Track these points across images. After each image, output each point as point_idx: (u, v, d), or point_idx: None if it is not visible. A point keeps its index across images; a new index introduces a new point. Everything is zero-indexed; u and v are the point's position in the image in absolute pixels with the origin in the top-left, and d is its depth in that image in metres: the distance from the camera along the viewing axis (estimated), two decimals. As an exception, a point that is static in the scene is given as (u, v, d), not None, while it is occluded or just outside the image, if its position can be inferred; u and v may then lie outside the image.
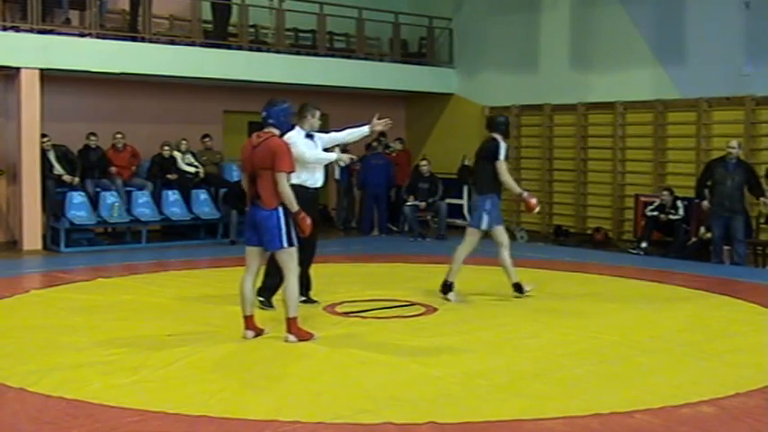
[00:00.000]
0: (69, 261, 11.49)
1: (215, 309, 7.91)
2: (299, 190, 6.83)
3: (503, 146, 8.34)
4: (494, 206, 8.35)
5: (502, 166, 8.28)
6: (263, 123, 6.69)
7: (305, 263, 8.10)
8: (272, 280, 7.66)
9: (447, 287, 8.46)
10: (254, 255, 6.72)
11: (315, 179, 7.78)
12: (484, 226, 8.35)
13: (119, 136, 13.50)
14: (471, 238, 8.46)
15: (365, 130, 8.09)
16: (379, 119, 8.01)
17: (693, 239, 12.00)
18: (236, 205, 12.61)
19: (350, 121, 16.14)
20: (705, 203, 11.56)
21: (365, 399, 5.20)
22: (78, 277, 9.87)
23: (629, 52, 14.04)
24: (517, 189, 8.43)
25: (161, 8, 14.27)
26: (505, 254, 8.45)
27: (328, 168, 8.28)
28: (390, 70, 16.05)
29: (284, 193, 6.49)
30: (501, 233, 8.46)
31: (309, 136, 7.78)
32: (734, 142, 11.41)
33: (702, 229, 11.84)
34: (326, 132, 8.30)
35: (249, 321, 6.74)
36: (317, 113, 7.80)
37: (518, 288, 8.55)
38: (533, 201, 8.46)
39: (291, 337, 6.64)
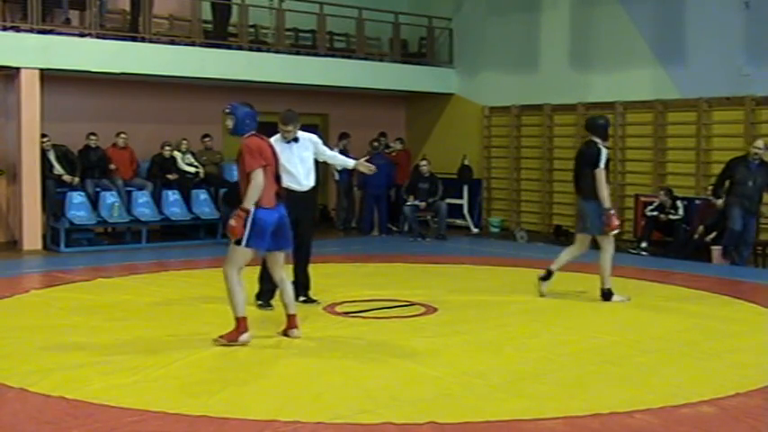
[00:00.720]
0: (69, 261, 11.48)
1: (215, 309, 7.89)
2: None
3: (604, 152, 8.30)
4: (603, 211, 8.35)
5: (600, 175, 8.24)
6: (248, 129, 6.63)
7: (300, 264, 8.15)
8: (267, 284, 7.72)
9: (607, 294, 8.53)
10: (251, 256, 6.66)
11: (298, 183, 7.78)
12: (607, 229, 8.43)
13: (123, 136, 13.51)
14: (605, 244, 8.48)
15: (350, 163, 8.49)
16: (370, 153, 8.35)
17: (696, 237, 11.90)
18: (237, 205, 12.56)
19: (350, 121, 16.29)
20: (720, 202, 11.35)
21: (365, 399, 5.20)
22: (78, 277, 9.86)
23: (629, 52, 14.05)
24: (608, 203, 8.30)
25: (161, 8, 14.28)
26: (567, 257, 8.64)
27: (318, 170, 8.36)
28: (390, 70, 16.03)
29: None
30: (587, 240, 8.62)
31: (295, 140, 7.78)
32: (759, 142, 11.16)
33: (701, 228, 11.79)
34: (324, 140, 8.38)
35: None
36: (282, 126, 7.76)
37: (545, 276, 8.63)
38: (616, 222, 8.38)
39: (297, 332, 6.75)
